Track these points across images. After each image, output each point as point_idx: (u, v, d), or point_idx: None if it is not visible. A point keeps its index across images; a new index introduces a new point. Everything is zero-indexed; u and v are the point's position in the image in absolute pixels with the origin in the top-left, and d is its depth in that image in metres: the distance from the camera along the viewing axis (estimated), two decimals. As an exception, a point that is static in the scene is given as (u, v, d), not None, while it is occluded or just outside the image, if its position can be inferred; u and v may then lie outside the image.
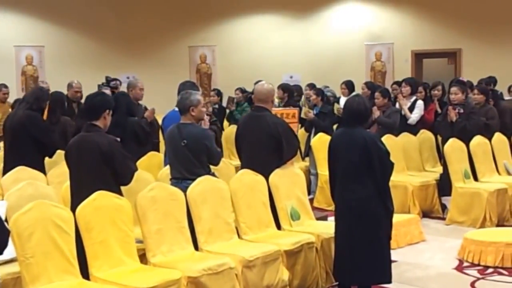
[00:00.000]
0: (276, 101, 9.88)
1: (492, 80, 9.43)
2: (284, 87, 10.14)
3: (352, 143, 4.96)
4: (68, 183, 5.09)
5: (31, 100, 6.72)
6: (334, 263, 5.17)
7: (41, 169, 6.37)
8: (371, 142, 4.93)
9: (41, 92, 7.01)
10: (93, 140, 4.76)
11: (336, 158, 5.06)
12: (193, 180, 5.32)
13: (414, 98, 8.94)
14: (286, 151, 5.87)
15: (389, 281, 5.06)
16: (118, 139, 5.05)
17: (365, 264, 4.91)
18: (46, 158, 6.70)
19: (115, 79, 8.40)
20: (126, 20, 14.58)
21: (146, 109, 8.20)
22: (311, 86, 10.81)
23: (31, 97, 6.83)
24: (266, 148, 5.87)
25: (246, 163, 5.97)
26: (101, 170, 4.74)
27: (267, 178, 5.77)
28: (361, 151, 4.89)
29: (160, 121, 7.31)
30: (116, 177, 4.82)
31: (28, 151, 6.51)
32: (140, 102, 8.28)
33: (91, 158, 4.74)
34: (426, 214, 8.13)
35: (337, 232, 5.10)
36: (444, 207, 8.20)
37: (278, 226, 5.75)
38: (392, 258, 6.25)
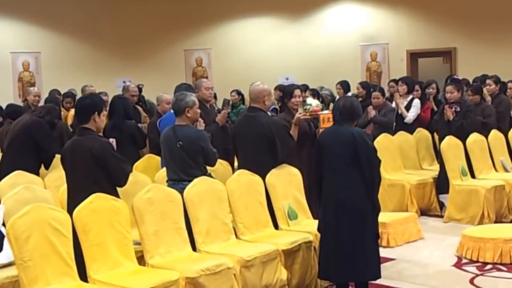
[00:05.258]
0: (275, 102, 9.93)
1: (485, 78, 9.49)
2: (281, 88, 10.16)
3: (340, 139, 4.97)
4: (65, 186, 5.09)
5: (43, 112, 6.86)
6: (320, 261, 5.11)
7: (36, 175, 6.36)
8: (359, 138, 4.94)
9: (53, 108, 7.15)
10: (85, 144, 4.76)
11: (324, 154, 5.07)
12: (190, 181, 5.32)
13: (410, 97, 8.96)
14: (280, 151, 5.87)
15: (379, 277, 5.04)
16: (114, 140, 5.04)
17: (352, 261, 4.89)
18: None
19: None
20: (121, 25, 14.59)
21: (139, 113, 8.23)
22: (305, 87, 10.81)
23: (43, 109, 7.00)
24: (260, 148, 5.87)
25: (243, 163, 5.97)
26: (95, 173, 4.74)
27: (263, 178, 5.76)
28: (349, 147, 4.91)
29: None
30: (110, 179, 4.82)
31: (26, 156, 6.52)
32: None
33: (84, 162, 4.74)
34: (424, 212, 8.13)
35: (323, 229, 5.08)
36: (442, 205, 8.21)
37: (276, 226, 5.75)
38: (391, 256, 6.30)
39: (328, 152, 5.02)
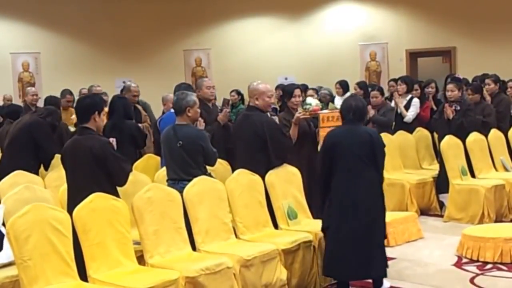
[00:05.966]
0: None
1: (485, 77, 9.49)
2: (282, 88, 10.15)
3: (358, 139, 5.04)
4: (65, 186, 5.09)
5: (45, 114, 6.90)
6: (329, 260, 5.12)
7: (36, 174, 6.37)
8: (376, 137, 5.07)
9: (55, 111, 7.20)
10: (85, 143, 4.77)
11: (337, 154, 5.07)
12: (190, 181, 5.32)
13: (410, 96, 8.96)
14: (272, 151, 5.86)
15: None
16: (114, 139, 5.04)
17: (371, 258, 4.95)
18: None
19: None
20: (120, 26, 14.58)
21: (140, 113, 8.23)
22: (304, 87, 10.81)
23: (45, 111, 7.06)
24: (253, 147, 5.89)
25: (238, 162, 5.97)
26: (95, 172, 4.74)
27: (261, 178, 5.76)
28: (366, 146, 5.00)
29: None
30: (110, 179, 4.82)
31: (26, 155, 6.53)
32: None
33: (84, 161, 4.74)
34: (424, 211, 8.13)
35: (335, 228, 5.09)
36: (441, 204, 8.21)
37: (275, 226, 5.75)
38: (391, 255, 6.29)
39: (344, 151, 5.05)
